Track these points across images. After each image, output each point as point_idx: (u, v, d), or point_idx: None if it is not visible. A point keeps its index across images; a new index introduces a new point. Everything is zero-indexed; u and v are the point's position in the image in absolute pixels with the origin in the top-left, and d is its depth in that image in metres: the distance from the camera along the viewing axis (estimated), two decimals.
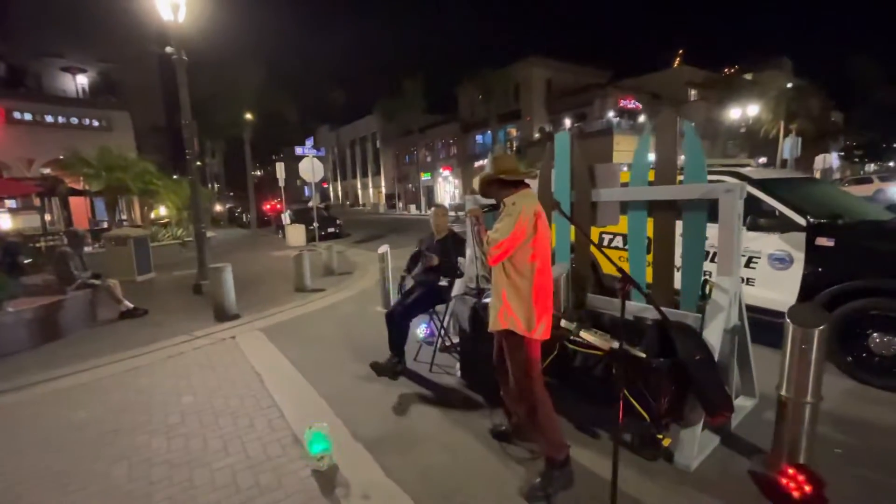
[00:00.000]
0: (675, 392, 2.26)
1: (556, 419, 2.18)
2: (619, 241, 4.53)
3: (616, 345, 2.42)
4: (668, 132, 2.71)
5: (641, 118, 29.01)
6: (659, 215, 2.78)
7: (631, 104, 29.70)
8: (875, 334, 3.07)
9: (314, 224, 13.61)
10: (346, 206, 50.57)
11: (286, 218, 15.85)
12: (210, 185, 32.36)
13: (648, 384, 2.29)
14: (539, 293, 2.11)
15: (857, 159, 35.54)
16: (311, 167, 12.14)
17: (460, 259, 3.64)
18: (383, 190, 46.70)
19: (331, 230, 16.19)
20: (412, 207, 36.70)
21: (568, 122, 29.01)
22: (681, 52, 36.04)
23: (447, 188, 38.72)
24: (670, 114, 2.71)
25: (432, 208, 3.99)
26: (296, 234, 14.36)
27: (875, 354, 3.07)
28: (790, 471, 2.01)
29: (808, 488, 1.93)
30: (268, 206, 26.90)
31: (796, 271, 3.40)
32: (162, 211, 17.79)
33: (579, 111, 29.27)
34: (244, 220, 26.64)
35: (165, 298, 7.13)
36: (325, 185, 54.31)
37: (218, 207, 28.80)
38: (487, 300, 2.89)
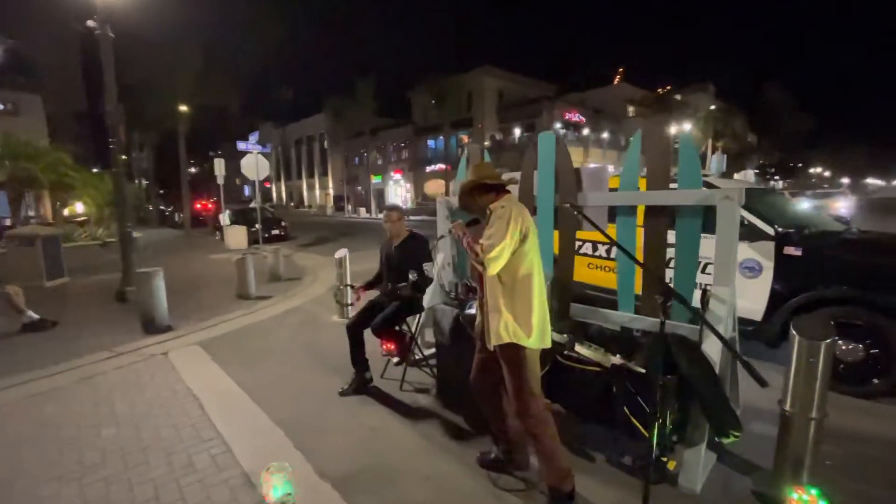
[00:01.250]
0: (681, 410, 2.12)
1: (560, 443, 1.96)
2: (587, 248, 4.47)
3: (615, 360, 2.26)
4: (659, 138, 2.61)
5: (585, 131, 30.38)
6: (651, 222, 2.66)
7: (576, 117, 31.01)
8: (840, 342, 3.16)
9: (257, 225, 12.72)
10: (290, 207, 48.41)
11: (225, 218, 14.69)
12: (138, 181, 29.59)
13: (652, 403, 2.13)
14: (539, 298, 1.95)
15: (769, 177, 39.58)
16: (255, 164, 11.30)
17: (426, 265, 3.31)
18: (331, 192, 45.26)
19: (275, 232, 15.25)
20: (362, 210, 35.79)
21: (518, 132, 29.70)
22: (620, 70, 38.28)
23: (398, 191, 38.23)
24: (659, 120, 2.61)
25: (385, 211, 3.55)
26: (236, 235, 13.33)
27: (841, 362, 3.16)
28: (798, 492, 1.92)
29: None
30: (199, 206, 24.88)
31: (766, 279, 3.45)
32: (79, 208, 15.86)
33: (528, 121, 30.06)
34: (176, 219, 24.56)
35: (81, 308, 6.18)
36: (268, 185, 51.73)
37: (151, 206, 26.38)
38: (472, 310, 2.63)
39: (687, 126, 27.48)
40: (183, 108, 19.30)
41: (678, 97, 35.29)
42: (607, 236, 2.06)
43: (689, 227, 2.53)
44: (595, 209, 2.87)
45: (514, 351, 1.92)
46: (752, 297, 3.48)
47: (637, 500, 2.06)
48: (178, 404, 3.13)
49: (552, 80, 35.78)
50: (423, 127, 34.13)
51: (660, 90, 38.25)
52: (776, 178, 39.04)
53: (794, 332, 2.04)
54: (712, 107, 32.31)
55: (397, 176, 37.33)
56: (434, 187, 35.10)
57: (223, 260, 10.34)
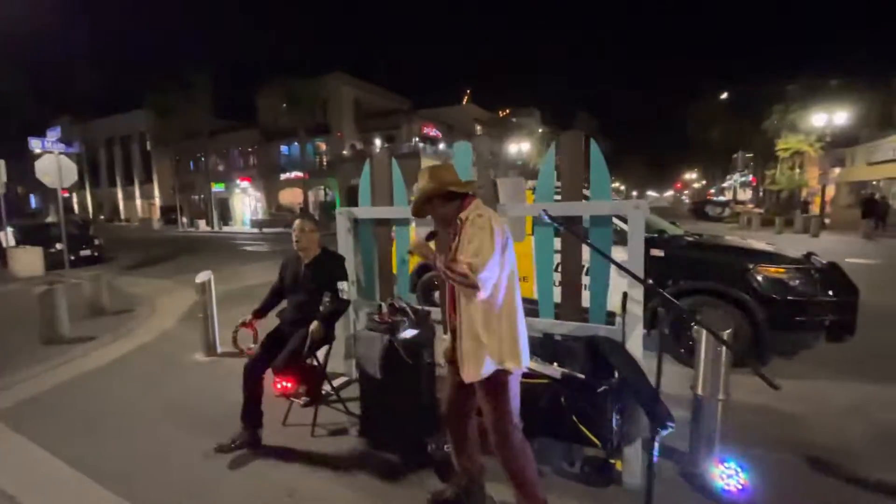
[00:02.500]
0: (624, 411, 2.23)
1: (537, 474, 1.85)
2: None
3: (561, 370, 2.27)
4: (574, 150, 2.76)
5: (441, 146, 31.99)
6: (574, 232, 2.79)
7: (433, 132, 32.46)
8: (695, 326, 3.81)
9: (58, 245, 9.93)
10: (99, 221, 39.51)
11: (8, 237, 11.15)
12: None
13: (599, 407, 2.20)
14: (520, 313, 1.81)
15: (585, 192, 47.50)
16: (56, 167, 8.79)
17: (341, 285, 2.93)
18: (157, 201, 38.49)
19: (86, 253, 12.21)
20: (201, 223, 31.23)
21: (378, 142, 29.68)
22: (468, 91, 41.52)
23: (247, 201, 34.50)
24: (575, 133, 2.77)
25: (297, 221, 2.99)
26: (27, 259, 10.21)
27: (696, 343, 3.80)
28: (719, 466, 2.18)
29: (742, 479, 2.11)
30: None
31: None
32: None
33: (388, 133, 30.32)
34: None
35: None
36: (66, 194, 41.42)
37: None
38: (408, 334, 2.39)
39: (525, 145, 31.15)
40: None
41: (514, 119, 39.97)
42: (593, 247, 2.05)
43: (602, 235, 2.73)
44: (513, 220, 2.91)
45: (498, 378, 1.74)
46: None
47: None
48: None
49: (406, 95, 36.83)
50: (273, 131, 31.53)
51: (500, 112, 42.73)
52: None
53: (697, 328, 2.34)
54: (540, 129, 37.51)
55: (245, 184, 33.67)
56: (290, 197, 32.72)
57: (12, 293, 7.78)
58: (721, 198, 38.17)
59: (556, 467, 2.36)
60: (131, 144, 39.04)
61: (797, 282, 3.69)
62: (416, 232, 3.35)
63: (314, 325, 2.68)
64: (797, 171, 25.59)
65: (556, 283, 2.91)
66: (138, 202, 40.09)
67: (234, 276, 9.59)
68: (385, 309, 2.62)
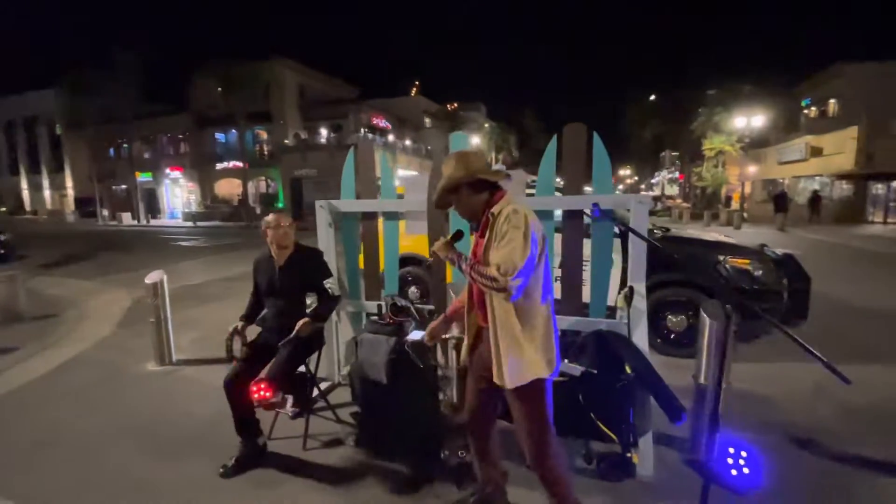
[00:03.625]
0: (637, 405, 2.23)
1: (572, 478, 1.79)
2: None
3: (578, 367, 2.23)
4: (576, 143, 2.72)
5: (391, 137, 31.42)
6: (569, 225, 2.76)
7: (382, 123, 31.75)
8: (669, 315, 3.98)
9: None
10: (1, 213, 34.76)
11: None
12: None
13: (616, 403, 2.18)
14: (554, 317, 1.71)
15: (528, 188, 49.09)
16: None
17: (328, 283, 2.68)
18: (70, 192, 34.56)
19: None
20: (126, 216, 28.43)
21: (325, 132, 28.53)
22: (416, 83, 41.04)
23: (178, 192, 31.91)
24: (578, 126, 2.73)
25: (272, 216, 2.63)
26: None
27: (672, 331, 3.97)
28: (728, 451, 2.25)
29: (750, 463, 2.18)
30: None
31: (616, 271, 4.07)
32: None
33: (335, 122, 29.22)
34: None
35: None
36: None
37: None
38: (416, 335, 2.23)
39: (476, 139, 31.36)
40: None
41: (461, 113, 40.19)
42: (652, 242, 1.96)
43: (605, 228, 2.73)
44: None
45: (536, 385, 1.63)
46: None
47: (615, 500, 2.09)
48: None
49: (354, 83, 35.71)
50: (208, 118, 29.29)
51: (448, 106, 42.78)
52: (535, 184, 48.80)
53: (704, 316, 2.40)
54: (486, 125, 38.05)
55: (176, 174, 31.12)
56: (227, 188, 30.64)
57: None
58: (651, 193, 40.99)
59: (572, 465, 2.32)
60: (37, 128, 34.58)
61: (760, 272, 3.95)
62: (407, 226, 3.18)
63: (302, 322, 2.42)
64: (720, 168, 27.94)
65: (555, 279, 2.88)
66: (47, 193, 35.77)
67: (171, 274, 8.70)
68: (386, 310, 2.44)
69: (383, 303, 2.52)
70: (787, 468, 2.34)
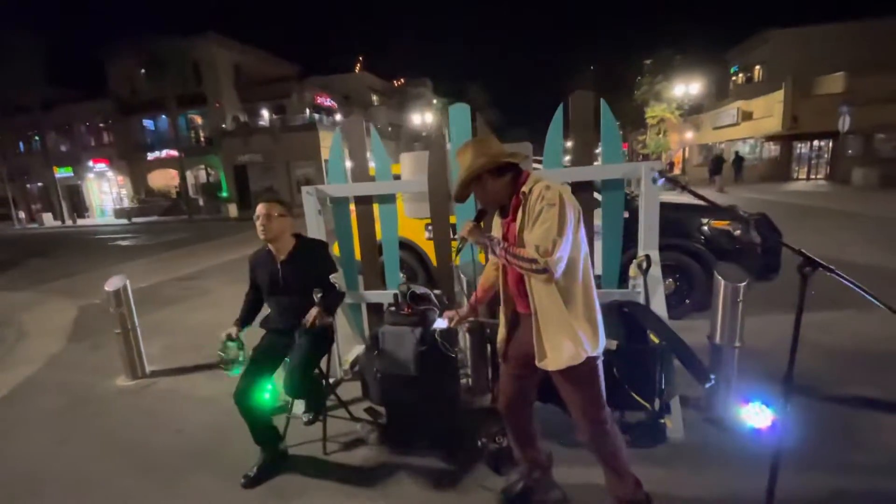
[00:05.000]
0: (666, 372, 2.25)
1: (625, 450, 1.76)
2: None
3: (614, 344, 2.21)
4: (584, 112, 2.64)
5: (338, 116, 30.13)
6: (579, 198, 2.70)
7: (328, 102, 30.31)
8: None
9: None
10: None
11: None
12: None
13: (647, 372, 2.19)
14: (594, 294, 1.64)
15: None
16: None
17: (334, 278, 2.46)
18: None
19: None
20: (47, 217, 25.67)
21: (266, 113, 26.86)
22: (360, 58, 39.40)
23: (106, 187, 29.16)
24: (586, 95, 2.64)
25: (259, 205, 2.33)
26: None
27: None
28: (747, 405, 2.34)
29: (770, 415, 2.28)
30: None
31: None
32: None
33: (277, 103, 27.51)
34: None
35: None
36: None
37: None
38: (441, 324, 2.11)
39: (429, 116, 30.78)
40: None
41: (409, 89, 39.22)
42: (715, 205, 1.82)
43: (615, 198, 2.70)
44: None
45: (588, 365, 1.58)
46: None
47: (641, 468, 2.11)
48: None
49: (294, 60, 33.67)
50: (132, 103, 26.66)
51: (395, 82, 41.53)
52: None
53: (718, 278, 2.44)
54: (434, 101, 37.46)
55: (101, 166, 28.30)
56: (163, 179, 28.33)
57: None
58: (596, 163, 42.33)
59: None
60: None
61: (738, 231, 4.14)
62: (406, 208, 3.00)
63: (316, 311, 2.22)
64: (662, 136, 29.28)
65: None
66: None
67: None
68: (404, 299, 2.28)
69: (398, 292, 2.35)
70: (800, 419, 2.48)
